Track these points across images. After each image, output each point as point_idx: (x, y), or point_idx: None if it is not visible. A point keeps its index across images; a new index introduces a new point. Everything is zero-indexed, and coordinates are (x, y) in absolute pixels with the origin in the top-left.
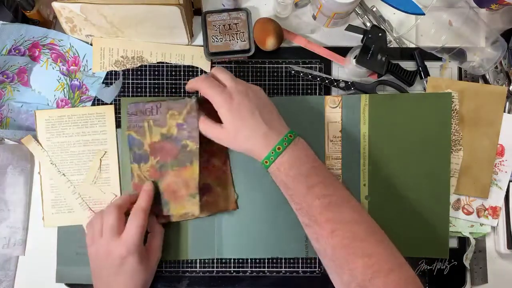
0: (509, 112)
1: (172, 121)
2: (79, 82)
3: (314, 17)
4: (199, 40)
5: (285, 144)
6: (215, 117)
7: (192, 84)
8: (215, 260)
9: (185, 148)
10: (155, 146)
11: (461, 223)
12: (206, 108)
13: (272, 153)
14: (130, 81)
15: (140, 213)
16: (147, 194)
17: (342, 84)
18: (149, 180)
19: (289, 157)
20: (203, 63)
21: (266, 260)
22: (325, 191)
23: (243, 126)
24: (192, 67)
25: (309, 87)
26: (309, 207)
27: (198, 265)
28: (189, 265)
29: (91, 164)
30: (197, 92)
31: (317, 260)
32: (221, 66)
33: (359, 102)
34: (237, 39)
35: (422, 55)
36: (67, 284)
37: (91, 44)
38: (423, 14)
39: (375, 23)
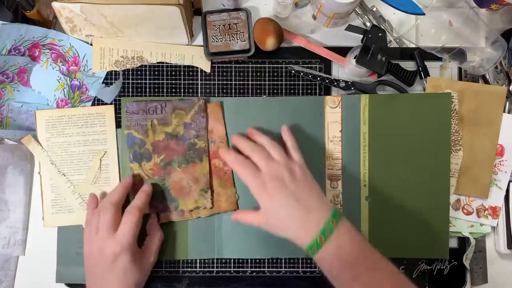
0: (509, 112)
1: (178, 120)
2: (79, 82)
3: (314, 17)
4: (199, 40)
5: (328, 233)
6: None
7: (224, 156)
8: (215, 260)
9: (193, 146)
10: (158, 144)
11: (461, 223)
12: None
13: (314, 244)
14: (130, 81)
15: (136, 211)
16: (145, 195)
17: (342, 84)
18: (152, 178)
19: (333, 248)
20: (203, 63)
21: (266, 260)
22: (372, 279)
23: (279, 214)
24: (192, 67)
25: (309, 87)
26: None
27: (198, 265)
28: (189, 265)
29: (91, 164)
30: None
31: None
32: (260, 134)
33: (359, 102)
34: (237, 39)
35: (422, 55)
36: (67, 284)
37: (91, 44)
38: (423, 14)
39: (375, 23)
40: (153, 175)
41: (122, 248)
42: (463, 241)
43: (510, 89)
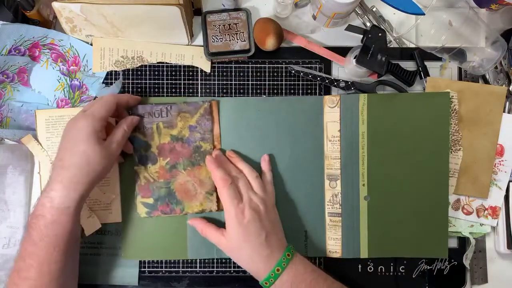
0: (509, 112)
1: (183, 123)
2: (79, 82)
3: (314, 17)
4: (199, 40)
5: (284, 264)
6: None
7: (212, 169)
8: (215, 260)
9: (198, 149)
10: (164, 147)
11: (461, 223)
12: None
13: (272, 274)
14: (130, 81)
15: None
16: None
17: (342, 84)
18: (158, 181)
19: (288, 276)
20: (203, 63)
21: None
22: None
23: (247, 246)
24: (192, 67)
25: (309, 87)
26: None
27: (198, 265)
28: (189, 265)
29: None
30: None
31: (316, 259)
32: (240, 160)
33: (358, 101)
34: (237, 39)
35: (422, 55)
36: None
37: (91, 44)
38: (423, 14)
39: (375, 23)
40: (158, 178)
41: (88, 114)
42: (463, 241)
43: (510, 89)
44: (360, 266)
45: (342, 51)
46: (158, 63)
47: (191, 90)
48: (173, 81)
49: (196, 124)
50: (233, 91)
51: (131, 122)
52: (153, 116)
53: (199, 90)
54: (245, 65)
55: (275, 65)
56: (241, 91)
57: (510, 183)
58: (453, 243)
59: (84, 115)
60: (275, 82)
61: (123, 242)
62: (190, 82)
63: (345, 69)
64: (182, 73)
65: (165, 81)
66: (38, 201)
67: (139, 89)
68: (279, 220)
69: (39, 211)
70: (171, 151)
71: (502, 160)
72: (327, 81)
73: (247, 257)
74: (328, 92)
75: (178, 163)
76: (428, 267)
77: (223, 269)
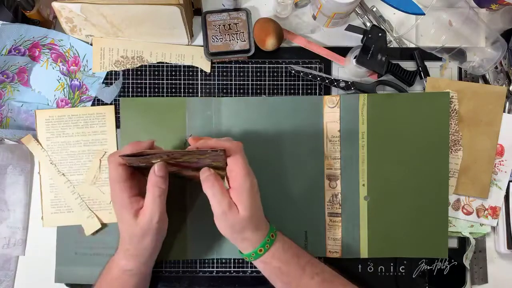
0: (509, 112)
1: (190, 157)
2: (79, 82)
3: (314, 17)
4: (199, 40)
5: (276, 232)
6: None
7: (220, 142)
8: (215, 260)
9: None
10: (167, 164)
11: (461, 223)
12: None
13: (268, 240)
14: (130, 81)
15: (110, 157)
16: (130, 146)
17: (342, 84)
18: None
19: (279, 242)
20: (203, 63)
21: None
22: (316, 269)
23: (257, 215)
24: (192, 67)
25: (309, 87)
26: None
27: (198, 265)
28: (189, 265)
29: (91, 164)
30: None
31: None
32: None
33: (358, 101)
34: (237, 39)
35: (422, 55)
36: (66, 284)
37: (91, 44)
38: (423, 14)
39: (375, 23)
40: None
41: (111, 191)
42: (463, 241)
43: (510, 89)
44: (360, 266)
45: (342, 51)
46: (158, 63)
47: (191, 90)
48: (173, 81)
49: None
50: (233, 91)
51: (156, 182)
52: (150, 162)
53: (199, 90)
54: (245, 65)
55: (275, 65)
56: (241, 91)
57: (510, 183)
58: (453, 243)
59: (111, 191)
60: (275, 82)
61: None
62: (190, 82)
63: (345, 69)
64: (182, 73)
65: (165, 81)
66: (110, 258)
67: (139, 89)
68: None
69: (109, 267)
70: (174, 165)
71: (502, 160)
72: (327, 81)
73: (255, 225)
74: (328, 92)
75: (186, 170)
76: (428, 267)
77: (223, 269)
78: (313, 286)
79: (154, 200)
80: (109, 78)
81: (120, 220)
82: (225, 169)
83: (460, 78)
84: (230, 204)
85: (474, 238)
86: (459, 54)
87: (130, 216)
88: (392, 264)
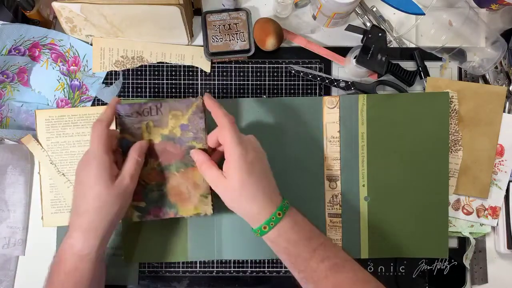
0: (509, 112)
1: (175, 122)
2: (79, 82)
3: (314, 17)
4: (199, 40)
5: (284, 209)
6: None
7: (216, 111)
8: (215, 260)
9: (191, 149)
10: (155, 148)
11: (461, 223)
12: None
13: (273, 218)
14: (130, 81)
15: (96, 123)
16: (109, 108)
17: (342, 84)
18: (150, 184)
19: (289, 222)
20: (203, 63)
21: (266, 261)
22: (328, 253)
23: (250, 183)
24: (192, 67)
25: (309, 87)
26: (314, 271)
27: (198, 265)
28: (189, 265)
29: None
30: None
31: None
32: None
33: (357, 102)
34: (237, 39)
35: (422, 55)
36: None
37: (91, 44)
38: (423, 14)
39: (375, 23)
40: (150, 180)
41: (90, 155)
42: (463, 241)
43: (510, 89)
44: None
45: (342, 51)
46: (158, 63)
47: (191, 90)
48: (173, 81)
49: (188, 123)
50: (233, 91)
51: (140, 148)
52: (142, 115)
53: (199, 90)
54: (245, 65)
55: (275, 65)
56: (241, 91)
57: (510, 183)
58: (453, 243)
59: (88, 157)
60: (275, 82)
61: (123, 245)
62: (190, 82)
63: (345, 69)
64: (182, 73)
65: (165, 81)
66: (60, 246)
67: (139, 89)
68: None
69: (60, 256)
70: (162, 152)
71: (502, 160)
72: (327, 81)
73: (250, 197)
74: (328, 92)
75: (170, 164)
76: (428, 267)
77: (223, 269)
78: (321, 269)
79: (134, 163)
80: (109, 78)
81: (91, 187)
82: (212, 148)
83: (460, 78)
84: (219, 175)
85: (474, 238)
86: (459, 54)
87: (108, 177)
88: (392, 264)
